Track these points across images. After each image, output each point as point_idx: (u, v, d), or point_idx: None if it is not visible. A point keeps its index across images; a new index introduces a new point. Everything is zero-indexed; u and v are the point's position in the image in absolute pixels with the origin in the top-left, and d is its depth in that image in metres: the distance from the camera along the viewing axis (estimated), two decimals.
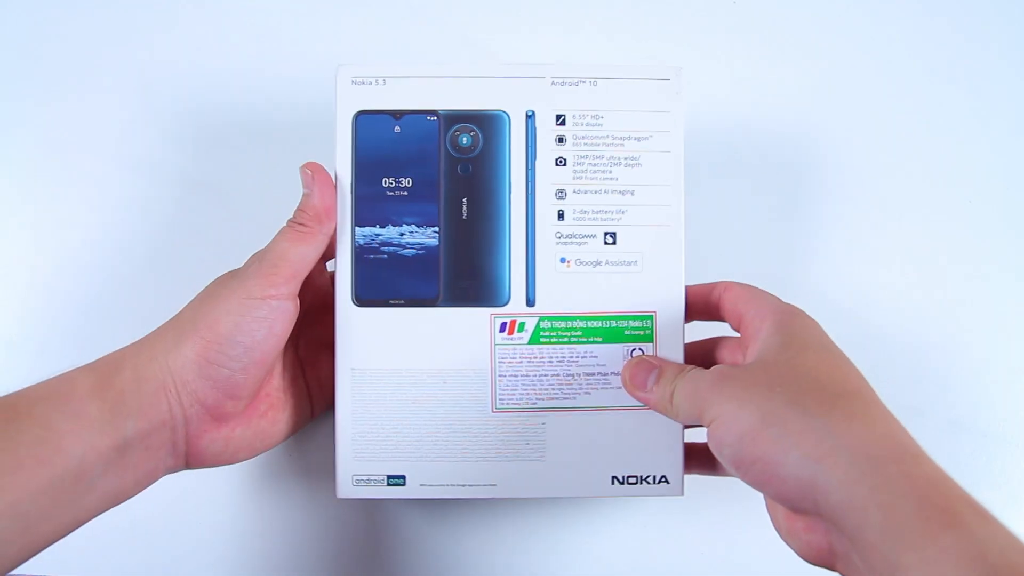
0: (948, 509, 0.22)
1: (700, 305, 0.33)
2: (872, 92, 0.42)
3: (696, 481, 0.37)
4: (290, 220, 0.32)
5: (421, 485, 0.33)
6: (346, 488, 0.33)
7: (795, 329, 0.28)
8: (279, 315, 0.30)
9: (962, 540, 0.21)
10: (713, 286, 0.33)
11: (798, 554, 0.27)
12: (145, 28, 0.42)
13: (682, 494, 0.33)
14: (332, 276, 0.35)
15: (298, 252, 0.31)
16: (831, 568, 0.26)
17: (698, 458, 0.34)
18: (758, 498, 0.37)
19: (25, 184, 0.41)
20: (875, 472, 0.23)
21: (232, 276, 0.31)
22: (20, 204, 0.41)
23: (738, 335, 0.32)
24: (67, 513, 0.27)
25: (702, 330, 0.35)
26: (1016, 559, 0.21)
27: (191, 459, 0.31)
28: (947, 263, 0.41)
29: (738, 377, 0.27)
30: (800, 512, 0.26)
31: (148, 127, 0.41)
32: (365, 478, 0.33)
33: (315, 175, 0.31)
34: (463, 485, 0.33)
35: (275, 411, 0.33)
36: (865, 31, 0.42)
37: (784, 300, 0.30)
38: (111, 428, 0.27)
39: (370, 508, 0.38)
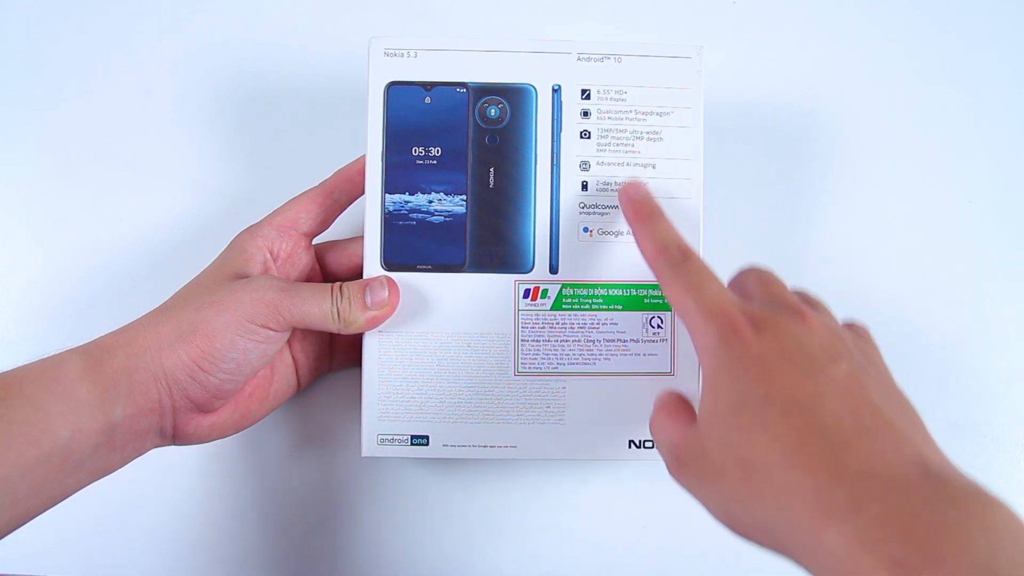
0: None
1: None
2: (871, 92, 0.42)
3: None
4: (336, 284, 0.32)
5: (444, 445, 0.34)
6: (371, 447, 0.34)
7: (721, 383, 0.25)
8: (276, 341, 0.31)
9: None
10: None
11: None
12: (154, 18, 0.42)
13: None
14: (320, 250, 0.36)
15: (315, 313, 0.31)
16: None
17: None
18: None
19: (25, 184, 0.41)
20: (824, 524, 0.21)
21: (244, 284, 0.31)
22: (20, 204, 0.40)
23: None
24: (56, 488, 0.28)
25: None
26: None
27: (178, 440, 0.32)
28: (947, 263, 0.41)
29: (689, 465, 0.26)
30: None
31: (148, 126, 0.41)
32: (389, 438, 0.34)
33: (391, 290, 0.32)
34: (484, 446, 0.34)
35: (262, 390, 0.34)
36: (865, 30, 0.43)
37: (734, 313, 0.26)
38: (100, 412, 0.28)
39: (393, 468, 0.39)
